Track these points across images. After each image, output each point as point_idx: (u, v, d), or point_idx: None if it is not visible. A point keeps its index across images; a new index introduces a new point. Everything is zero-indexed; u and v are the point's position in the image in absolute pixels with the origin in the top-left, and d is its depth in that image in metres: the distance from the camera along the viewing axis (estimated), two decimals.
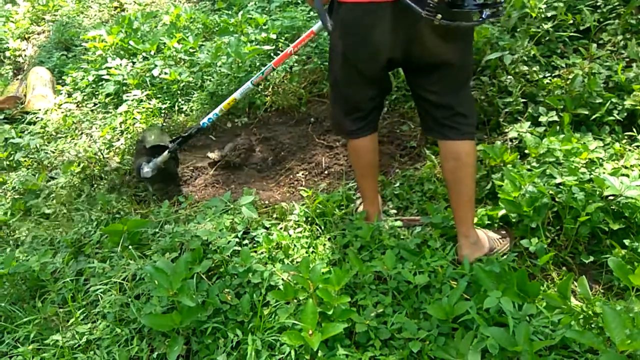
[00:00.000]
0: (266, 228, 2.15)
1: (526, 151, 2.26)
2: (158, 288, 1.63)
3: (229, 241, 1.94)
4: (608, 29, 2.77)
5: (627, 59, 2.60)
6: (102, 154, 2.88)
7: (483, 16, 1.48)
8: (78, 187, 2.76)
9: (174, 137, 2.64)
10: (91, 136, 3.19)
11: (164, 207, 2.36)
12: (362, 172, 2.09)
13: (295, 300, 1.68)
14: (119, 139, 3.11)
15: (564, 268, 1.92)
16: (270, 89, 3.25)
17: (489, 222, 2.08)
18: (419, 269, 1.76)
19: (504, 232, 2.05)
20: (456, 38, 1.63)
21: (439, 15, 1.43)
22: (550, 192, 1.96)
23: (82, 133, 3.29)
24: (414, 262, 1.78)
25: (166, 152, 2.55)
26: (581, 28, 2.81)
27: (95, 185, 2.77)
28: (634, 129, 2.34)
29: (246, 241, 2.08)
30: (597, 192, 1.93)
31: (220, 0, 4.61)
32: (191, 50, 3.65)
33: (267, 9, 4.21)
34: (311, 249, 2.00)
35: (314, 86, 3.34)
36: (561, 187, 1.98)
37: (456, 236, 1.94)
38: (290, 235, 2.06)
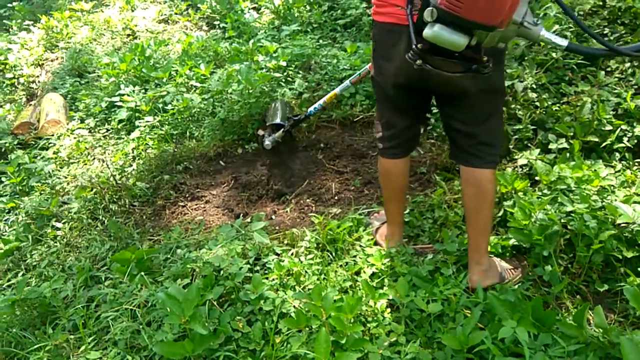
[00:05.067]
0: (277, 254, 2.15)
1: (537, 178, 2.26)
2: (170, 315, 1.63)
3: (241, 267, 1.94)
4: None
5: (636, 87, 2.61)
6: (114, 179, 2.90)
7: (471, 68, 1.45)
8: (90, 213, 2.78)
9: (291, 116, 3.03)
10: (103, 161, 3.22)
11: (174, 233, 2.37)
12: (390, 195, 2.10)
13: (307, 329, 1.66)
14: (131, 165, 3.15)
15: (578, 296, 1.90)
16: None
17: (501, 251, 2.07)
18: (432, 296, 1.75)
19: (516, 262, 2.04)
20: (471, 81, 1.60)
21: (419, 61, 1.44)
22: (562, 220, 1.95)
23: (94, 158, 3.33)
24: (427, 290, 1.77)
25: (281, 131, 2.97)
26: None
27: (108, 211, 2.78)
28: None
29: (257, 267, 2.08)
30: (610, 220, 1.92)
31: (231, 29, 4.70)
32: (203, 77, 3.71)
33: (277, 37, 4.29)
34: (322, 276, 2.00)
35: (323, 112, 3.37)
36: (572, 214, 1.98)
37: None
38: (301, 262, 2.06)
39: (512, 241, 2.03)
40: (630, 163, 2.34)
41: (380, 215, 2.36)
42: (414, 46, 1.43)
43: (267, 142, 2.97)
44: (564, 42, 1.41)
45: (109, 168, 3.07)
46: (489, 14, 1.28)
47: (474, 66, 1.43)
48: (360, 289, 1.87)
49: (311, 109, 3.01)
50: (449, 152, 2.01)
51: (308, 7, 4.58)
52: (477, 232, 1.89)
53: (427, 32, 1.34)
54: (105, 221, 2.68)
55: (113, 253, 2.38)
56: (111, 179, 2.92)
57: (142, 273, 2.01)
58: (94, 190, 2.86)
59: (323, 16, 4.41)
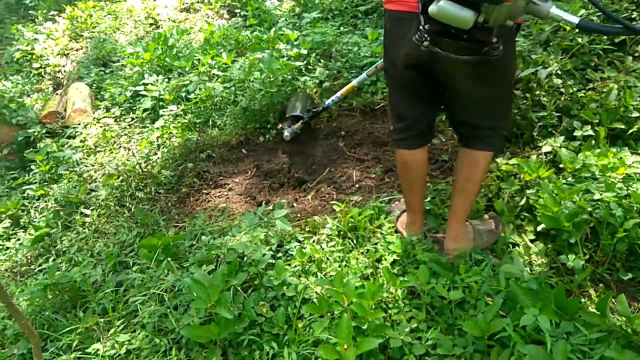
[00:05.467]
0: (299, 241, 2.18)
1: (561, 166, 2.24)
2: (196, 300, 1.67)
3: (264, 254, 1.97)
4: None
5: None
6: (140, 167, 2.97)
7: (481, 51, 1.41)
8: (117, 200, 2.85)
9: (310, 108, 3.08)
10: (129, 150, 3.29)
11: (199, 220, 2.42)
12: (409, 185, 2.10)
13: (329, 314, 1.70)
14: (156, 153, 3.20)
15: (601, 285, 1.88)
16: None
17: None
18: (453, 284, 1.76)
19: (491, 220, 2.15)
20: (480, 68, 1.58)
21: (426, 42, 1.41)
22: (589, 208, 1.94)
23: (120, 147, 3.40)
24: (447, 277, 1.78)
25: (300, 122, 3.04)
26: (616, 40, 2.78)
27: (134, 198, 2.85)
28: None
29: (280, 254, 2.12)
30: (635, 208, 1.90)
31: (252, 17, 4.71)
32: (224, 66, 3.74)
33: (297, 24, 4.28)
34: (344, 263, 2.02)
35: (344, 100, 3.37)
36: (598, 202, 1.96)
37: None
38: (323, 249, 2.09)
39: (540, 227, 2.03)
40: None
41: (401, 204, 2.37)
42: (421, 27, 1.41)
43: (287, 133, 3.03)
44: (574, 19, 1.36)
45: (134, 156, 3.13)
46: None
47: (484, 49, 1.40)
48: (381, 276, 1.89)
49: (329, 101, 3.05)
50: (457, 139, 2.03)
51: None
52: (460, 203, 1.98)
53: (432, 8, 1.32)
54: (132, 208, 2.75)
55: (140, 239, 2.45)
56: (137, 167, 2.98)
57: (169, 259, 2.06)
58: (121, 178, 2.93)
59: (344, 3, 4.38)
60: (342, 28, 4.05)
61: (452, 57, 1.42)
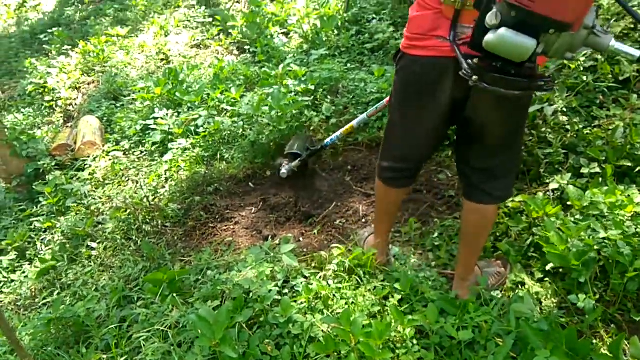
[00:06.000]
0: (305, 277, 2.16)
1: (569, 203, 2.23)
2: (201, 338, 1.65)
3: (270, 290, 1.95)
4: None
5: None
6: (148, 200, 2.98)
7: (532, 85, 1.32)
8: (124, 233, 2.85)
9: (309, 146, 3.10)
10: (137, 183, 3.31)
11: (205, 254, 2.41)
12: (384, 215, 2.14)
13: (335, 354, 1.67)
14: (163, 186, 3.22)
15: (612, 325, 1.85)
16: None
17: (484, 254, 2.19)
18: (462, 323, 1.73)
19: (499, 262, 2.13)
20: (514, 104, 1.55)
21: (475, 77, 1.32)
22: (596, 246, 1.92)
23: (128, 180, 3.43)
24: (457, 317, 1.75)
25: (297, 160, 3.04)
26: (620, 78, 2.81)
27: (141, 231, 2.85)
28: None
29: (286, 290, 2.10)
30: None
31: (261, 53, 4.81)
32: (233, 100, 3.79)
33: (305, 61, 4.36)
34: (351, 300, 2.00)
35: (349, 136, 3.41)
36: (606, 241, 1.94)
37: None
38: (329, 286, 2.07)
39: (549, 266, 2.01)
40: None
41: (371, 228, 2.44)
42: (469, 61, 1.33)
43: (284, 170, 3.04)
44: (636, 53, 1.26)
45: (142, 189, 3.15)
46: (564, 9, 1.15)
47: (536, 83, 1.31)
48: (388, 314, 1.86)
49: (327, 140, 3.11)
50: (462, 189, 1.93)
51: (336, 32, 4.65)
52: (470, 252, 1.96)
53: (489, 37, 1.22)
54: (139, 241, 2.75)
55: (146, 273, 2.44)
56: (145, 200, 2.99)
57: (174, 294, 2.05)
58: (128, 211, 2.94)
59: (351, 40, 4.47)
60: (349, 65, 4.12)
61: (502, 92, 1.32)
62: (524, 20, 1.17)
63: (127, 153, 3.84)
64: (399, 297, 1.95)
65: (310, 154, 3.10)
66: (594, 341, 1.76)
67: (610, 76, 2.76)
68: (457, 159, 1.91)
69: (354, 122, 3.01)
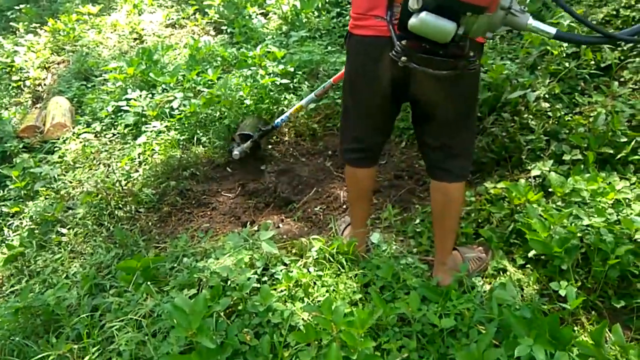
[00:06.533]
0: (285, 265, 2.11)
1: (550, 190, 2.22)
2: (177, 327, 1.59)
3: (249, 278, 1.89)
4: (629, 66, 2.75)
5: None
6: (120, 185, 2.88)
7: (457, 65, 1.41)
8: (96, 219, 2.75)
9: (260, 127, 3.08)
10: (109, 166, 3.19)
11: (181, 241, 2.34)
12: (357, 196, 2.11)
13: (316, 343, 1.62)
14: (137, 170, 3.12)
15: (593, 312, 1.85)
16: (288, 123, 3.26)
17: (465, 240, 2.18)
18: (444, 311, 1.71)
19: (480, 248, 2.12)
20: (454, 83, 1.57)
21: (404, 58, 1.39)
22: (579, 233, 1.91)
23: (100, 163, 3.31)
24: (439, 304, 1.73)
25: (249, 141, 3.02)
26: (602, 65, 2.80)
27: (113, 217, 2.75)
28: None
29: (265, 278, 2.04)
30: (626, 234, 1.88)
31: (239, 34, 4.68)
32: (210, 82, 3.68)
33: (285, 43, 4.26)
34: (332, 288, 1.96)
35: (328, 121, 3.36)
36: (589, 228, 1.94)
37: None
38: (310, 273, 2.02)
39: (532, 253, 2.00)
40: None
41: (347, 218, 2.40)
42: (397, 43, 1.39)
43: (236, 152, 3.02)
44: (552, 30, 1.36)
45: (114, 173, 3.04)
46: None
47: (461, 62, 1.39)
48: (370, 302, 1.83)
49: (278, 120, 3.09)
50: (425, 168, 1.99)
51: (316, 13, 4.56)
52: (443, 234, 1.96)
53: (412, 21, 1.30)
54: (111, 227, 2.65)
55: (118, 260, 2.35)
56: (117, 184, 2.89)
57: (148, 282, 1.97)
58: (100, 195, 2.83)
59: (331, 22, 4.39)
60: (329, 47, 4.04)
61: (430, 72, 1.40)
62: (443, 5, 1.26)
63: (98, 135, 3.70)
64: (381, 284, 1.91)
65: (261, 135, 3.07)
66: (576, 328, 1.75)
67: (592, 63, 2.75)
68: (416, 138, 1.96)
69: (303, 102, 3.00)
